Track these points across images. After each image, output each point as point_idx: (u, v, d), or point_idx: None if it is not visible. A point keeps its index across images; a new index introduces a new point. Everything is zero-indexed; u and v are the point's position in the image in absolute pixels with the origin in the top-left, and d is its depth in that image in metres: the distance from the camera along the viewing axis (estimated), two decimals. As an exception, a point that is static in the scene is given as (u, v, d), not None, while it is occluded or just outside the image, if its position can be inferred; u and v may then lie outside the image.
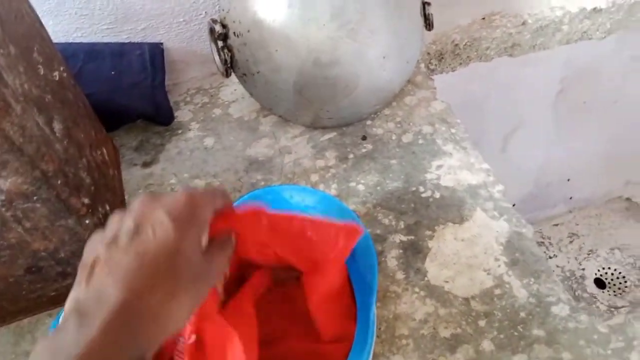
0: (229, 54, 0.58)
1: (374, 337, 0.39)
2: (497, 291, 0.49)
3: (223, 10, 0.56)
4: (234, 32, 0.55)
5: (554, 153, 1.22)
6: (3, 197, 0.36)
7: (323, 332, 0.40)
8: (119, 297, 0.26)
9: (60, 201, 0.40)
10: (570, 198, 1.42)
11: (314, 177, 0.59)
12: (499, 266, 0.50)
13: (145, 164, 0.62)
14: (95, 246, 0.29)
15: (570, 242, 1.42)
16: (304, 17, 0.52)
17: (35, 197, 0.38)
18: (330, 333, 0.40)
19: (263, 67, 0.56)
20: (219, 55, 0.58)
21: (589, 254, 1.40)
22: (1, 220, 0.38)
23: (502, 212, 0.54)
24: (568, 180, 1.37)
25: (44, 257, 0.43)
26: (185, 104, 0.69)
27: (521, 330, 0.46)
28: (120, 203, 0.57)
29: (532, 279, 0.49)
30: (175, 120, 0.67)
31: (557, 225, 1.45)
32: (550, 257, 1.40)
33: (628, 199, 1.47)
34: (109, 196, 0.52)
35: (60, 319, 0.27)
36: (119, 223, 0.29)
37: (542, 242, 1.42)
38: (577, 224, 1.45)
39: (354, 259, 0.44)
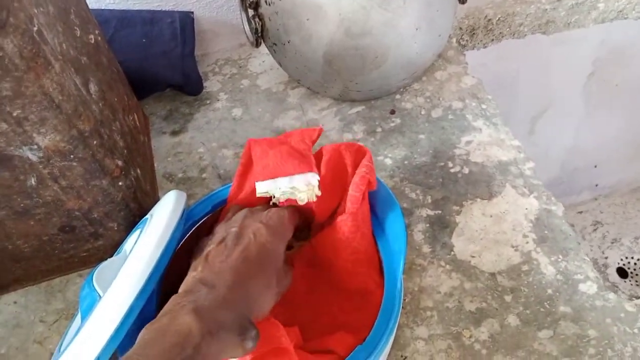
0: (260, 23, 0.58)
1: (401, 306, 0.39)
2: (525, 267, 0.48)
3: (255, -22, 0.56)
4: (266, 0, 0.55)
5: (582, 138, 1.19)
6: (41, 154, 0.37)
7: (348, 282, 0.41)
8: (232, 278, 0.34)
9: (95, 161, 0.41)
10: (596, 185, 1.40)
11: (341, 150, 0.59)
12: (527, 243, 0.50)
13: (174, 133, 0.63)
14: (205, 244, 0.38)
15: (594, 230, 1.40)
16: (338, -14, 0.51)
17: (72, 156, 0.39)
18: (356, 283, 0.41)
19: (294, 36, 0.55)
20: (250, 24, 0.58)
21: (612, 243, 1.38)
22: (38, 177, 0.39)
23: (532, 189, 0.53)
24: (595, 166, 1.34)
25: (78, 216, 0.44)
26: (214, 74, 0.69)
27: (547, 306, 0.46)
28: (150, 169, 0.58)
29: (561, 257, 0.49)
30: (204, 90, 0.67)
31: (581, 212, 1.43)
32: (573, 244, 1.38)
33: (655, 188, 1.44)
34: (140, 161, 0.53)
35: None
36: (225, 230, 0.38)
37: (566, 229, 1.40)
38: (602, 212, 1.43)
39: (382, 230, 0.44)
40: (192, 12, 0.67)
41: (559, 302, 0.46)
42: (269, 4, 0.55)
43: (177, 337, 0.28)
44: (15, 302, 0.50)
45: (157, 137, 0.63)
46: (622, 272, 1.32)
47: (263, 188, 0.41)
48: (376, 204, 0.44)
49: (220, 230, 0.39)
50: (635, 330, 0.44)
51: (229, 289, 0.33)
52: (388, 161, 0.57)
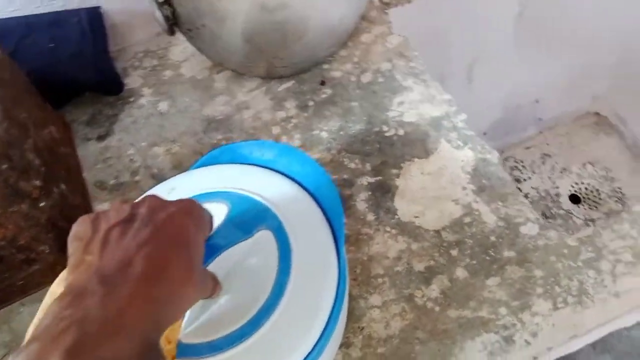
0: (171, 9, 0.55)
1: (347, 283, 0.39)
2: (467, 219, 0.49)
3: (156, -37, 0.53)
4: (171, -14, 0.52)
5: (519, 76, 1.21)
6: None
7: None
8: (142, 269, 0.26)
9: (8, 186, 0.38)
10: (540, 119, 1.43)
11: (276, 130, 0.58)
12: (467, 195, 0.50)
13: (100, 137, 0.60)
14: (93, 223, 0.29)
15: (543, 162, 1.44)
16: (240, -40, 0.49)
17: (-22, 186, 0.36)
18: None
19: (207, 18, 0.53)
20: (161, 12, 0.55)
21: (562, 172, 1.42)
22: (-53, 213, 0.36)
23: (467, 141, 0.54)
24: (536, 101, 1.37)
25: (3, 245, 0.42)
26: (134, 69, 0.66)
27: (493, 254, 0.47)
28: (78, 181, 0.55)
29: (500, 203, 0.49)
30: (125, 87, 0.64)
31: (529, 147, 1.47)
32: (525, 180, 1.43)
33: (596, 114, 1.48)
34: (63, 174, 0.50)
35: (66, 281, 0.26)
36: (127, 209, 0.30)
37: (516, 166, 1.44)
38: (548, 144, 1.47)
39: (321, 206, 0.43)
40: (100, 7, 0.63)
41: (503, 248, 0.47)
42: (175, -11, 0.52)
43: None
44: (-42, 342, 0.48)
45: (82, 145, 0.60)
46: (574, 199, 1.37)
47: None
48: (313, 188, 0.43)
49: (116, 209, 0.30)
50: (580, 264, 0.46)
51: (136, 287, 0.25)
52: (324, 134, 0.57)
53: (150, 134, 0.60)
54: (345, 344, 0.44)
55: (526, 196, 1.39)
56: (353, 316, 0.45)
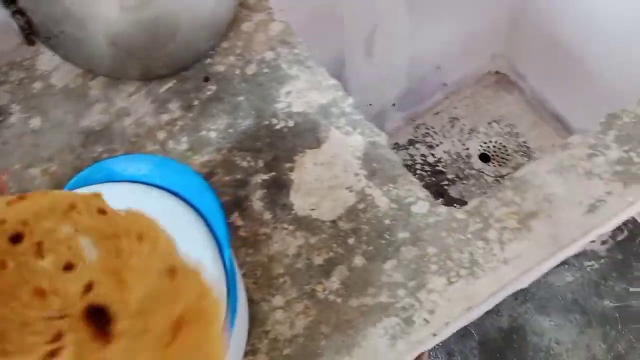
0: (24, 18, 0.50)
1: (238, 289, 0.38)
2: (361, 205, 0.49)
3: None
4: (18, -7, 0.47)
5: (418, 44, 1.23)
6: None
7: None
8: None
9: None
10: (445, 84, 1.48)
11: (161, 135, 0.55)
12: (359, 180, 0.50)
13: (-33, 165, 0.55)
14: None
15: (452, 126, 1.49)
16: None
17: None
18: None
19: (65, 24, 0.49)
20: (15, 21, 0.50)
21: (470, 133, 1.48)
22: None
23: (356, 126, 0.54)
24: (438, 67, 1.41)
25: None
26: (0, 84, 0.60)
27: (388, 237, 0.47)
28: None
29: (391, 185, 0.50)
30: (-10, 106, 0.58)
31: (437, 113, 1.51)
32: (437, 145, 1.47)
33: (497, 72, 1.55)
34: None
35: None
36: None
37: (427, 133, 1.48)
38: (455, 108, 1.52)
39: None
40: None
41: (398, 230, 0.48)
42: (23, -4, 0.47)
43: None
44: None
45: (-51, 175, 0.54)
46: (484, 158, 1.43)
47: None
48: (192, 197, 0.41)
49: None
50: (469, 236, 0.47)
51: None
52: (212, 134, 0.55)
53: (24, 154, 0.55)
54: (251, 352, 0.43)
55: (439, 161, 1.44)
56: (257, 321, 0.44)
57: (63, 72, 0.60)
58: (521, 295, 1.28)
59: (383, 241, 0.47)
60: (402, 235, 0.47)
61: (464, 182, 1.42)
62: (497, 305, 1.29)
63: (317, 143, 0.53)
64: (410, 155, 1.48)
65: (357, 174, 0.51)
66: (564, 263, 1.33)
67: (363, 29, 1.04)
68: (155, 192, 0.40)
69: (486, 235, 0.47)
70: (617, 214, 0.47)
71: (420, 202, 0.49)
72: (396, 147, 1.49)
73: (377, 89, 1.34)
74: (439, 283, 0.45)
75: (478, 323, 1.25)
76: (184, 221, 0.38)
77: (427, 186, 0.60)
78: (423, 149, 1.48)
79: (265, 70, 0.58)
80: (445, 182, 1.43)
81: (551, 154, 0.50)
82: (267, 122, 0.55)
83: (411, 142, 1.49)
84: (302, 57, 0.59)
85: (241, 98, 0.57)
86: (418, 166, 1.48)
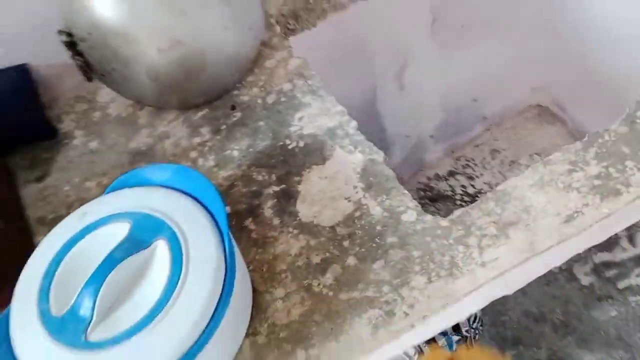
0: (82, 60, 0.62)
1: (236, 274, 0.45)
2: (357, 213, 0.56)
3: (64, 19, 0.60)
4: (79, 38, 0.59)
5: (451, 78, 1.29)
6: None
7: None
8: None
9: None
10: (485, 117, 1.51)
11: (193, 154, 0.64)
12: (357, 192, 0.57)
13: (39, 179, 0.67)
14: None
15: (493, 158, 1.52)
16: (133, 8, 0.56)
17: None
18: None
19: (115, 64, 0.60)
20: (75, 62, 0.62)
21: (510, 165, 1.50)
22: None
23: (357, 145, 0.61)
24: (475, 100, 1.45)
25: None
26: (67, 114, 0.73)
27: (378, 241, 0.53)
28: (19, 219, 0.61)
29: (385, 196, 0.56)
30: (60, 132, 0.71)
31: (478, 145, 1.54)
32: (477, 177, 1.50)
33: (538, 105, 1.56)
34: (1, 213, 0.56)
35: None
36: None
37: (467, 164, 1.51)
38: (496, 140, 1.54)
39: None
40: (26, 64, 0.70)
41: (388, 235, 0.53)
42: (83, 40, 0.59)
43: None
44: None
45: (25, 186, 0.66)
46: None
47: None
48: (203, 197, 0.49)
49: None
50: (451, 241, 0.52)
51: None
52: (235, 153, 0.63)
53: (83, 170, 0.66)
54: (252, 333, 0.50)
55: (480, 192, 1.46)
56: (260, 308, 0.51)
57: (118, 103, 0.72)
58: (562, 329, 1.26)
59: (374, 244, 0.53)
60: (391, 239, 0.53)
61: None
62: (535, 339, 1.27)
63: (323, 160, 0.60)
64: (450, 186, 1.51)
65: (355, 187, 0.58)
66: (607, 297, 1.30)
67: (394, 62, 1.11)
68: (175, 193, 0.48)
69: (467, 241, 0.52)
70: (592, 224, 0.50)
71: (410, 211, 0.55)
72: (436, 177, 1.52)
73: (412, 121, 1.39)
74: (420, 282, 0.50)
75: (516, 355, 1.23)
76: (195, 216, 0.46)
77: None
78: (463, 180, 1.51)
79: (283, 99, 0.67)
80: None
81: (533, 170, 0.55)
82: (281, 143, 0.63)
83: (451, 174, 1.52)
84: (315, 87, 0.67)
85: (261, 123, 0.66)
86: (458, 197, 1.50)
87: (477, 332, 0.96)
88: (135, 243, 0.45)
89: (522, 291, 1.22)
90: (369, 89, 1.16)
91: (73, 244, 0.46)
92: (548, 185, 0.54)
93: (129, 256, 0.44)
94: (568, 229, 0.51)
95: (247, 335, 0.49)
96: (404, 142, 1.43)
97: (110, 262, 0.43)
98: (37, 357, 0.41)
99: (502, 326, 1.17)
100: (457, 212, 0.54)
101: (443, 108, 1.41)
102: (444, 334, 0.85)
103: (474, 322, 0.92)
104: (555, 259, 0.51)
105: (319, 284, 0.52)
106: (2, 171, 0.66)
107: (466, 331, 0.86)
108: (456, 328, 0.86)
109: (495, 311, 1.19)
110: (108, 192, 0.51)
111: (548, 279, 1.24)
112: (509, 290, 0.52)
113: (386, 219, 0.54)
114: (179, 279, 0.43)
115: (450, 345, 0.85)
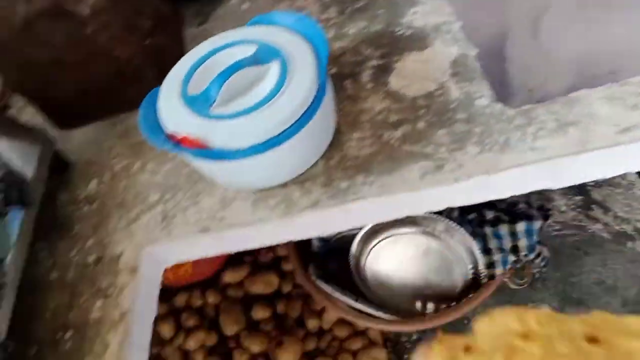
0: None
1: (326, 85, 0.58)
2: (438, 92, 0.65)
3: None
4: None
5: (591, 44, 1.25)
6: (89, 10, 0.59)
7: None
8: None
9: (127, 20, 0.62)
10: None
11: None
12: (444, 76, 0.66)
13: (200, 24, 0.84)
14: None
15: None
16: None
17: (112, 11, 0.60)
18: None
19: None
20: None
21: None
22: (92, 26, 0.61)
23: (457, 41, 0.69)
24: (613, 73, 1.39)
25: (124, 63, 0.67)
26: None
27: (449, 115, 0.62)
28: (178, 47, 0.79)
29: (467, 84, 0.64)
30: (222, -7, 0.88)
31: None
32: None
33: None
34: (169, 30, 0.74)
35: None
36: None
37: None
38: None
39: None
40: None
41: (458, 112, 0.62)
42: None
43: None
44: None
45: (188, 29, 0.84)
46: None
47: None
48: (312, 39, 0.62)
49: None
50: (512, 127, 0.59)
51: None
52: (351, 31, 0.75)
53: (233, 20, 0.82)
54: (327, 157, 0.62)
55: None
56: (338, 143, 0.63)
57: (271, -22, 0.86)
58: (630, 306, 1.23)
59: (444, 117, 0.62)
60: (460, 115, 0.62)
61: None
62: (600, 308, 1.27)
63: (424, 47, 0.70)
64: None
65: (444, 72, 0.66)
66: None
67: (532, 6, 1.12)
68: (296, 35, 0.61)
69: (526, 129, 0.58)
70: (648, 139, 0.54)
71: (484, 97, 0.62)
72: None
73: (540, 77, 1.38)
74: (474, 150, 0.58)
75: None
76: (305, 53, 0.59)
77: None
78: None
79: (405, -5, 0.76)
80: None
81: (608, 86, 0.59)
82: (392, 29, 0.73)
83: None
84: (436, -10, 0.75)
85: (381, 11, 0.76)
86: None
87: (536, 267, 1.00)
88: (256, 59, 0.59)
89: (602, 261, 1.22)
90: (502, 26, 1.17)
91: (214, 53, 0.62)
92: (617, 100, 0.58)
93: (249, 66, 0.58)
94: (621, 137, 0.55)
95: (322, 157, 0.62)
96: (525, 98, 1.43)
97: (237, 66, 0.57)
98: (174, 118, 0.58)
99: (570, 285, 1.18)
100: (525, 107, 0.60)
101: (576, 73, 1.37)
102: (501, 250, 0.91)
103: (536, 257, 0.96)
104: (604, 164, 0.56)
105: (389, 136, 0.62)
106: (178, 16, 0.85)
107: (524, 255, 0.92)
108: (514, 249, 0.91)
109: (567, 272, 1.21)
110: (248, 26, 0.65)
111: (634, 258, 1.21)
112: (552, 182, 0.58)
113: (461, 100, 0.63)
114: (283, 88, 0.56)
115: (504, 263, 0.91)
